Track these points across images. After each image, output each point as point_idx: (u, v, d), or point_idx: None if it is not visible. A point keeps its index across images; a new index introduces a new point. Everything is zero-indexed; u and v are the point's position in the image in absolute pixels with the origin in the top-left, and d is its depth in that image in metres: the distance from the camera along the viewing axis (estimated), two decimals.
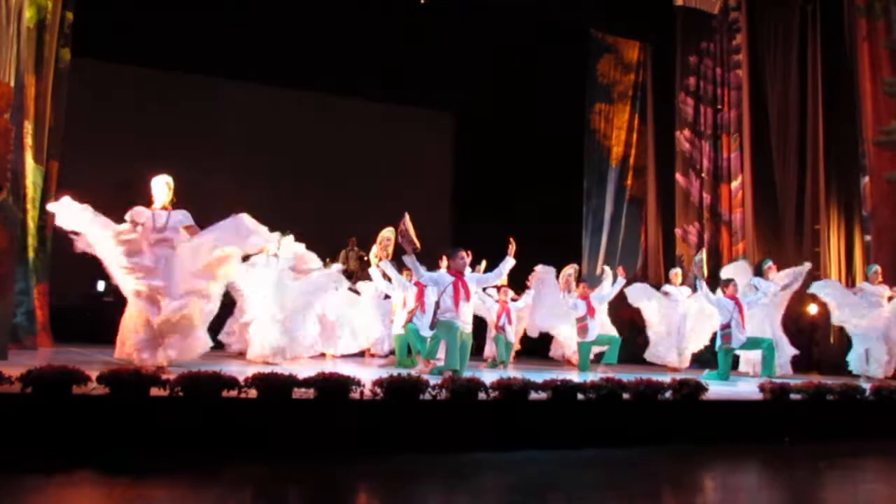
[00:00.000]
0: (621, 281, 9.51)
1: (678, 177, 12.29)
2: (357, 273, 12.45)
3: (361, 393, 4.41)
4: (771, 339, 8.83)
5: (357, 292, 10.74)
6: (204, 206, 13.64)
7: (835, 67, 11.20)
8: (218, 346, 8.29)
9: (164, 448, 3.91)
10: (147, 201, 5.95)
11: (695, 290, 10.99)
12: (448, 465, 4.15)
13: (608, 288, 9.47)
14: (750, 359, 9.50)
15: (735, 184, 12.01)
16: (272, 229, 13.24)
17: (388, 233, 8.29)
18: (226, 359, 7.64)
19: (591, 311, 9.12)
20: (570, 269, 9.58)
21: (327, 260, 13.28)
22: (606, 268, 9.63)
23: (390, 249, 8.31)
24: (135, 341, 5.43)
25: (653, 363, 10.27)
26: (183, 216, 5.90)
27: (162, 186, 5.96)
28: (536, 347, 11.23)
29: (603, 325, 9.74)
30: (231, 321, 9.13)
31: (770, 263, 9.24)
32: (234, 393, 4.14)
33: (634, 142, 13.21)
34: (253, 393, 4.18)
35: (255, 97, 13.73)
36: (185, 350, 5.46)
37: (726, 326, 8.35)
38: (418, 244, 6.74)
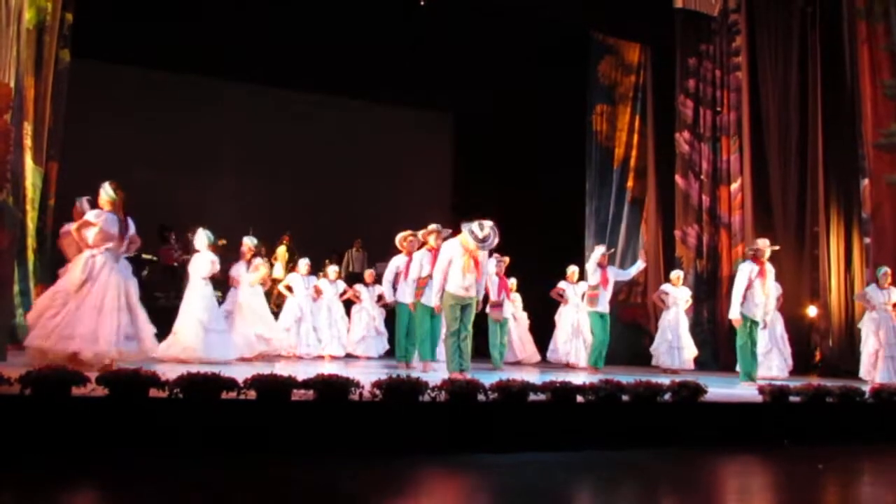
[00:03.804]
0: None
1: (678, 179, 12.28)
2: (362, 275, 12.45)
3: (360, 394, 4.41)
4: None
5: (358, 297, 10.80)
6: (203, 207, 13.64)
7: (834, 70, 11.18)
8: None
9: (163, 449, 3.91)
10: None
11: (695, 292, 11.05)
12: (447, 466, 4.15)
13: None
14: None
15: (734, 186, 12.00)
16: (271, 229, 13.31)
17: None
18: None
19: (604, 281, 9.13)
20: (602, 248, 9.54)
21: (326, 261, 13.35)
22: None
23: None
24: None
25: (656, 366, 10.34)
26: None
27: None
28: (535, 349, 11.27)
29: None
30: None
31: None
32: (233, 394, 4.14)
33: (635, 143, 13.20)
34: (252, 394, 4.18)
35: (254, 98, 13.73)
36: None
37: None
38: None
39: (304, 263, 9.91)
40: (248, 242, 8.71)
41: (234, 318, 8.34)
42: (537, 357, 11.01)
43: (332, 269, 10.63)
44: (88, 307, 5.75)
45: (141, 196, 12.42)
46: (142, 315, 6.05)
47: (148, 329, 6.09)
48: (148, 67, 12.70)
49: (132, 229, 6.13)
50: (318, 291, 9.98)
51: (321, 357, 9.71)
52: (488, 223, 6.54)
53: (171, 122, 13.06)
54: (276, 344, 8.72)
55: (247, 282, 8.52)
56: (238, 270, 8.59)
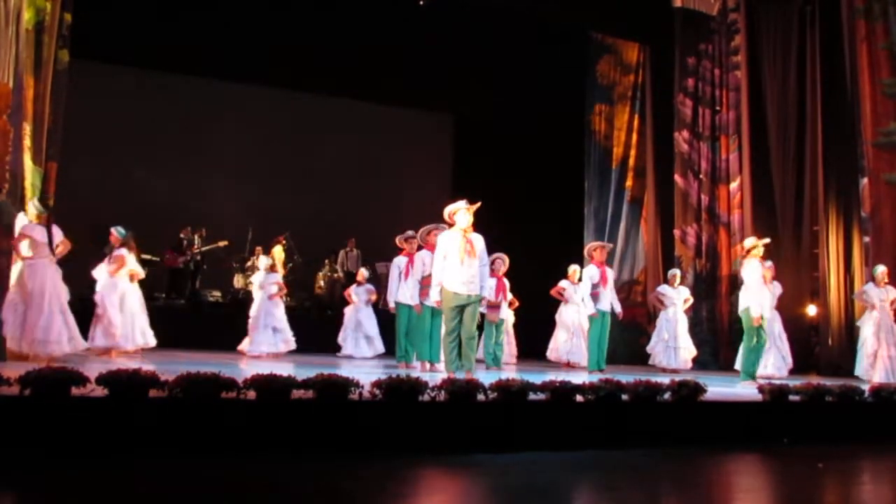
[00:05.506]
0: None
1: (677, 178, 12.29)
2: (358, 275, 12.44)
3: (360, 394, 4.41)
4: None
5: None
6: (203, 207, 13.60)
7: (833, 69, 11.19)
8: None
9: (162, 449, 3.91)
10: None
11: (694, 292, 11.07)
12: (447, 466, 4.15)
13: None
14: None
15: (733, 185, 12.01)
16: (271, 230, 13.25)
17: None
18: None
19: (604, 280, 9.06)
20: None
21: (326, 261, 13.36)
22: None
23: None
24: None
25: (653, 365, 10.36)
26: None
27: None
28: (535, 349, 11.27)
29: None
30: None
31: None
32: (232, 394, 4.14)
33: (634, 143, 13.21)
34: (252, 394, 4.18)
35: (254, 98, 13.72)
36: None
37: None
38: None
39: (264, 261, 9.59)
40: (115, 233, 8.27)
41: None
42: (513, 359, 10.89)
43: (263, 260, 9.78)
44: (31, 310, 6.43)
45: (140, 196, 12.54)
46: (71, 317, 6.67)
47: (68, 328, 6.65)
48: (147, 67, 12.68)
49: (58, 237, 6.80)
50: (281, 288, 9.66)
51: (277, 355, 9.25)
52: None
53: (171, 122, 13.05)
54: (122, 342, 8.04)
55: (105, 273, 8.09)
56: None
